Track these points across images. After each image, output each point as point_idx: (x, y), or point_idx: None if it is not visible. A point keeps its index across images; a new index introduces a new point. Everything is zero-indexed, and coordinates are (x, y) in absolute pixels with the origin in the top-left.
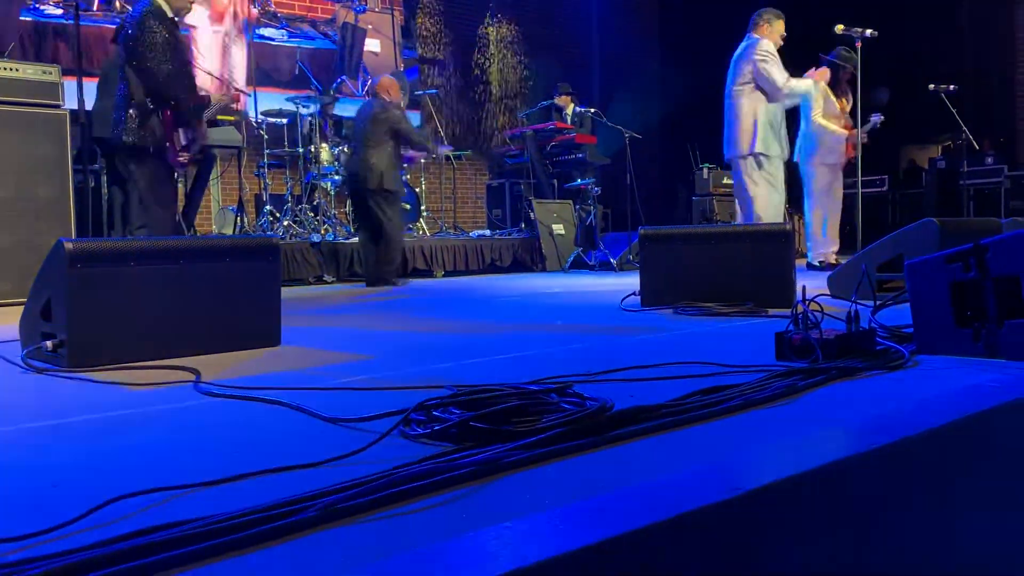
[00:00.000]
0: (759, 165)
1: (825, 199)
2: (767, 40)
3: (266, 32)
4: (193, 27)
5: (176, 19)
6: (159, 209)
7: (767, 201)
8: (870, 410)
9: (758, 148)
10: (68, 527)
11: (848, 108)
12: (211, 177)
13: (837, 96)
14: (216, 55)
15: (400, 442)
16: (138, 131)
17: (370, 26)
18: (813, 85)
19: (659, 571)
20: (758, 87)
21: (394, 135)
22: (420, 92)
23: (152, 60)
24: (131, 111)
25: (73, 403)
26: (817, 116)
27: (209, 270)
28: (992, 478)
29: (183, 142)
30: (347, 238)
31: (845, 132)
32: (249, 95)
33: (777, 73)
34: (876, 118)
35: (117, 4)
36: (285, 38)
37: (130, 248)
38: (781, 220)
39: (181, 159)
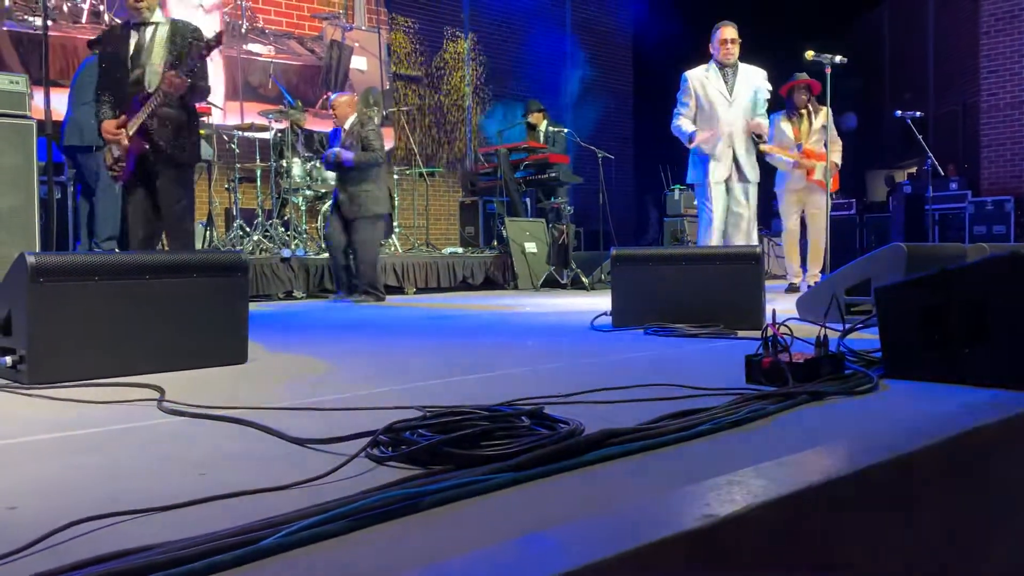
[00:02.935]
0: None
1: (793, 224)
2: (694, 73)
3: (253, 48)
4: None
5: (137, 22)
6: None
7: None
8: (839, 435)
9: None
10: (25, 552)
11: (811, 129)
12: None
13: (795, 121)
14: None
15: (368, 465)
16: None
17: (356, 44)
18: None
19: None
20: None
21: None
22: (393, 109)
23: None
24: None
25: (32, 421)
26: (762, 147)
27: (176, 286)
28: (957, 504)
29: (114, 154)
30: (317, 253)
31: (788, 157)
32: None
33: (682, 122)
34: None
35: (106, 16)
36: (273, 54)
37: (94, 262)
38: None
39: (112, 173)
